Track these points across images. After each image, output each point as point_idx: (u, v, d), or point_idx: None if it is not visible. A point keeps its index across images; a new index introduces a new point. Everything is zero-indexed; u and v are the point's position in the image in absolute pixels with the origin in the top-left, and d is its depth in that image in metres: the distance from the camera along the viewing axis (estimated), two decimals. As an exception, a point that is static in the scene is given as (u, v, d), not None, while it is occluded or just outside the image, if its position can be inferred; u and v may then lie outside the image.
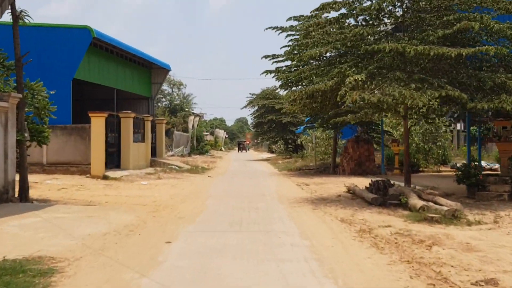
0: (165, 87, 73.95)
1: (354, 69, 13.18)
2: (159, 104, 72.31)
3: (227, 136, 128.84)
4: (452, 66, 14.12)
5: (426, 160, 27.48)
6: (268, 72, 24.08)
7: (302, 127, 42.64)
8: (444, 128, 28.55)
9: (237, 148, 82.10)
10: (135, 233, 9.36)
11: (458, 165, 27.82)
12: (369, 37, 14.19)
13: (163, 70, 32.65)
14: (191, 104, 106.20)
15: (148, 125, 28.33)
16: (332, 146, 28.47)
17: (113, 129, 25.42)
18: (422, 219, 10.62)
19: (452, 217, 10.70)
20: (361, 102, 14.49)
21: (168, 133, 53.93)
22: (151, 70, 32.85)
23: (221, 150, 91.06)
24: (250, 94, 49.90)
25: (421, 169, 26.82)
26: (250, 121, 53.16)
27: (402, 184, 16.02)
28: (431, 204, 11.82)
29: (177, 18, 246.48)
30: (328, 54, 14.51)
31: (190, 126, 55.63)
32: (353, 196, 15.52)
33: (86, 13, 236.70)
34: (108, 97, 31.03)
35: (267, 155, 65.97)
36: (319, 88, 13.78)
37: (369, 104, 13.64)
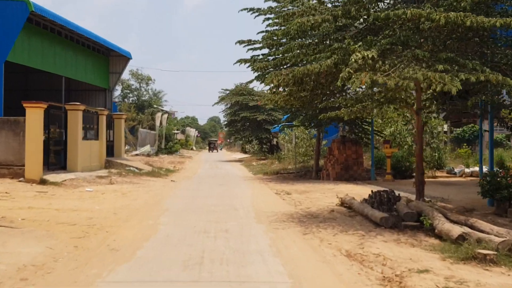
0: (132, 82, 69.93)
1: (360, 43, 9.72)
2: (125, 100, 68.16)
3: (199, 135, 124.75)
4: (484, 43, 10.80)
5: (420, 164, 24.32)
6: (242, 61, 21.14)
7: (278, 126, 39.21)
8: (439, 129, 25.44)
9: (209, 148, 77.81)
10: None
11: (456, 170, 24.92)
12: (380, 3, 10.79)
13: (123, 58, 28.71)
14: (161, 101, 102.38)
15: (103, 120, 24.47)
16: (315, 147, 25.07)
17: (59, 123, 21.53)
18: (469, 256, 7.21)
19: (509, 253, 7.35)
20: (368, 89, 11.12)
21: (133, 131, 49.98)
22: (109, 58, 28.88)
23: (192, 149, 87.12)
24: (222, 89, 46.35)
25: (414, 174, 23.60)
26: (222, 119, 49.46)
27: (408, 195, 12.71)
28: (468, 230, 8.45)
29: (149, 16, 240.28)
30: (323, 25, 11.00)
31: (157, 123, 51.65)
32: (351, 212, 12.10)
33: (57, 9, 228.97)
34: (59, 87, 27.12)
35: (240, 155, 62.41)
36: (311, 70, 10.25)
37: (381, 90, 10.23)
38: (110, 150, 27.30)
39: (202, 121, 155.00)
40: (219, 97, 45.60)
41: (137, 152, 44.09)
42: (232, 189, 18.24)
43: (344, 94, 14.89)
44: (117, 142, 27.61)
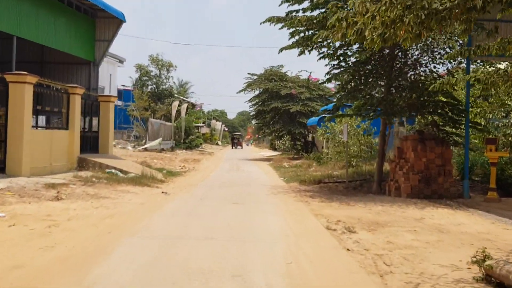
0: (152, 68, 62.67)
1: None
2: (143, 88, 60.92)
3: (226, 129, 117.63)
4: None
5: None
6: (274, 20, 15.34)
7: (317, 118, 31.58)
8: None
9: (232, 143, 68.81)
10: None
11: None
12: None
13: (114, 20, 21.28)
14: (187, 92, 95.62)
15: (75, 102, 17.37)
16: (379, 147, 17.33)
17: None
18: None
19: None
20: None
21: (138, 120, 42.99)
22: (95, 21, 21.63)
23: (217, 144, 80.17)
24: (249, 74, 38.82)
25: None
26: (249, 109, 41.75)
27: None
28: None
29: (180, 13, 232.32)
30: None
31: (173, 113, 44.55)
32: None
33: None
34: (31, 58, 20.17)
35: (269, 152, 54.92)
36: None
37: None
38: (93, 144, 20.24)
39: (231, 115, 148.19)
40: (244, 83, 38.17)
41: (147, 146, 37.04)
42: (251, 215, 10.80)
43: None
44: (103, 133, 20.51)
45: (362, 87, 15.99)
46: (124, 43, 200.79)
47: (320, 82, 31.66)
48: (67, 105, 17.16)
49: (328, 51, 15.81)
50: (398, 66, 16.02)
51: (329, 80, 16.90)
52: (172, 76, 58.32)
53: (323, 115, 31.05)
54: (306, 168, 25.04)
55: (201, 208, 11.67)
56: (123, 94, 52.93)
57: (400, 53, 15.94)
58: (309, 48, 15.19)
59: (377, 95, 16.33)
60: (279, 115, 36.66)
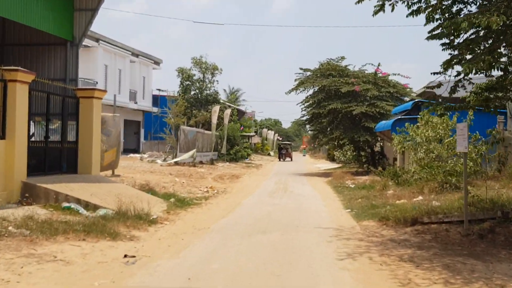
0: (195, 71, 56.09)
1: None
2: (185, 93, 54.23)
3: (280, 138, 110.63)
4: None
5: None
6: None
7: (390, 122, 24.08)
8: None
9: (280, 154, 57.08)
10: None
11: None
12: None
13: (99, -22, 14.91)
14: (238, 99, 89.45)
15: (17, 96, 10.84)
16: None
17: None
18: None
19: None
20: None
21: (171, 129, 36.46)
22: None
23: (268, 155, 73.38)
24: (301, 69, 31.56)
25: None
26: (301, 113, 34.29)
27: None
28: None
29: (238, 21, 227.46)
30: None
31: (214, 119, 37.95)
32: None
33: (152, 17, 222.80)
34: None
35: (326, 164, 47.50)
36: None
37: None
38: (69, 160, 13.76)
39: (287, 124, 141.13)
40: (295, 79, 30.99)
41: (178, 159, 30.54)
42: None
43: None
44: (84, 144, 13.97)
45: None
46: (163, 44, 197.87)
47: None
48: (2, 100, 10.65)
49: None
50: None
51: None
52: (217, 80, 51.59)
53: (400, 117, 23.63)
54: (380, 191, 17.58)
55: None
56: (159, 100, 46.96)
57: None
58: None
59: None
60: (339, 119, 29.29)
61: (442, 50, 10.55)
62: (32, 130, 13.16)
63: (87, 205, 10.81)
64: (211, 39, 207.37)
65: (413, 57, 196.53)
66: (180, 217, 11.92)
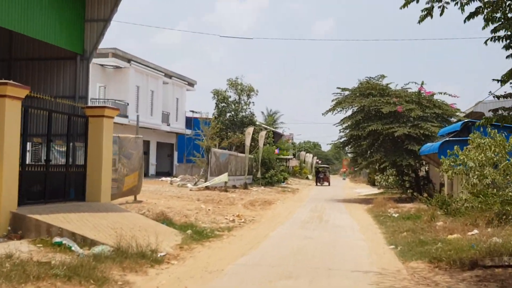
0: (231, 93, 54.71)
1: None
2: (220, 116, 52.87)
3: (319, 162, 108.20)
4: None
5: None
6: None
7: (437, 144, 21.88)
8: None
9: (317, 178, 53.97)
10: None
11: None
12: None
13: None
14: (275, 122, 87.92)
15: (6, 112, 9.46)
16: None
17: None
18: None
19: None
20: None
21: (203, 152, 35.00)
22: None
23: (307, 178, 71.27)
24: (339, 89, 29.75)
25: None
26: (338, 135, 32.18)
27: None
28: None
29: (279, 45, 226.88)
30: None
31: (247, 141, 36.40)
32: None
33: (194, 41, 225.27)
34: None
35: (366, 189, 45.17)
36: None
37: None
38: (77, 186, 12.37)
39: (326, 147, 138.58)
40: (333, 100, 29.17)
41: (209, 183, 29.02)
42: None
43: None
44: (94, 167, 12.55)
45: None
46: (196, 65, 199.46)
47: None
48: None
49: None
50: None
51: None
52: (253, 102, 49.95)
53: (448, 139, 21.46)
54: (428, 222, 15.48)
55: None
56: (193, 122, 45.85)
57: None
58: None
59: None
60: (380, 141, 27.24)
61: (506, 57, 8.88)
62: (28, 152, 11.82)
63: (83, 240, 9.27)
64: (250, 63, 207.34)
65: (456, 78, 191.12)
66: (193, 253, 10.24)
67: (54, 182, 11.67)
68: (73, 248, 8.82)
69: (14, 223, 9.59)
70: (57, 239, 9.10)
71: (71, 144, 12.34)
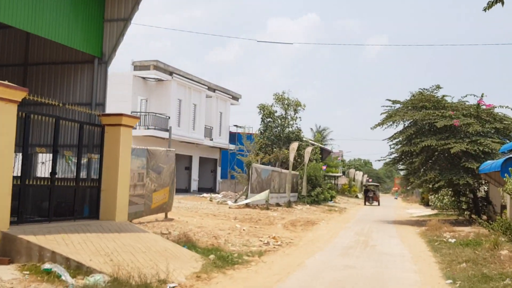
0: (277, 108, 53.25)
1: None
2: (266, 131, 51.46)
3: (370, 180, 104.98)
4: None
5: None
6: None
7: (499, 162, 19.59)
8: None
9: (366, 197, 50.94)
10: None
11: None
12: None
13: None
14: (325, 138, 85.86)
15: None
16: None
17: None
18: None
19: None
20: None
21: (245, 167, 33.58)
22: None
23: (356, 197, 68.73)
24: (390, 101, 27.76)
25: None
26: (388, 150, 30.01)
27: None
28: None
29: (331, 65, 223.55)
30: None
31: (291, 157, 34.72)
32: None
33: (246, 61, 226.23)
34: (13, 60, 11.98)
35: (419, 209, 42.44)
36: None
37: None
38: (91, 202, 11.13)
39: (377, 165, 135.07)
40: (382, 113, 27.19)
41: (249, 200, 27.56)
42: None
43: None
44: (110, 182, 11.29)
45: None
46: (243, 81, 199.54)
47: None
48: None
49: None
50: None
51: None
52: (299, 117, 48.23)
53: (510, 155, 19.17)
54: (491, 250, 13.40)
55: None
56: (237, 136, 44.61)
57: None
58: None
59: None
60: (434, 158, 25.04)
61: None
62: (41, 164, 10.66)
63: (78, 267, 7.91)
64: (302, 82, 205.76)
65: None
66: (210, 285, 8.71)
67: (61, 198, 10.44)
68: (62, 277, 7.47)
69: (3, 245, 8.36)
70: (46, 266, 7.78)
71: (83, 155, 11.10)
